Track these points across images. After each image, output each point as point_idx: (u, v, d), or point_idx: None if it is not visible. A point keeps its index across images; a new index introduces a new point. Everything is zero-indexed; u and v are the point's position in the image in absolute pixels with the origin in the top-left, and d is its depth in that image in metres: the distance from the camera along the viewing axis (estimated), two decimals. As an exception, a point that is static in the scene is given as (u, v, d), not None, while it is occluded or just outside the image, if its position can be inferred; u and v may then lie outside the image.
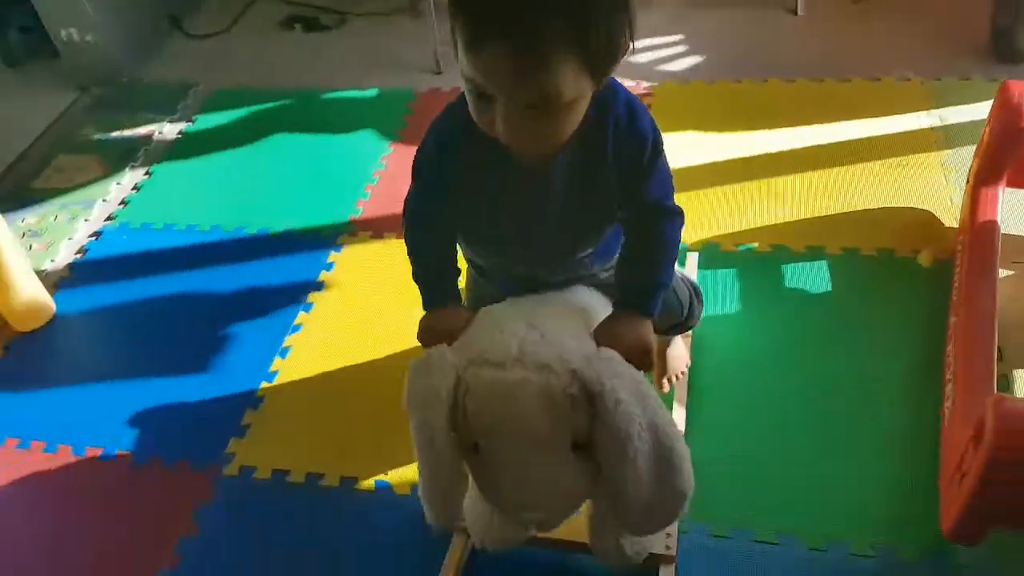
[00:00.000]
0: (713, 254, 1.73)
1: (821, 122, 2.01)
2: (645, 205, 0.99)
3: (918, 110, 1.98)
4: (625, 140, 0.95)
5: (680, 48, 2.38)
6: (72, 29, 2.58)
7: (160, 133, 2.40)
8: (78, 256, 2.02)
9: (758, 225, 1.78)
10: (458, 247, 1.09)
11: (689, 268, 1.66)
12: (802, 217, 1.78)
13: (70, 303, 1.89)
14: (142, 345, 1.77)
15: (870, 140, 1.94)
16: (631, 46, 0.87)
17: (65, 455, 1.56)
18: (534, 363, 0.87)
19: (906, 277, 1.62)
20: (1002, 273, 1.45)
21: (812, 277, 1.65)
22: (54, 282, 1.94)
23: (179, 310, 1.83)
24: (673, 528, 1.24)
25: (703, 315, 1.40)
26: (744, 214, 1.81)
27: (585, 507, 1.13)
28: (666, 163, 0.99)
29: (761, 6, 2.48)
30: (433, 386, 0.89)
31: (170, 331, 1.78)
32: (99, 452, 1.55)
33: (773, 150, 1.96)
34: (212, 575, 1.34)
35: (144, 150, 2.34)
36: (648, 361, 0.96)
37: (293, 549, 1.36)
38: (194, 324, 1.78)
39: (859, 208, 1.78)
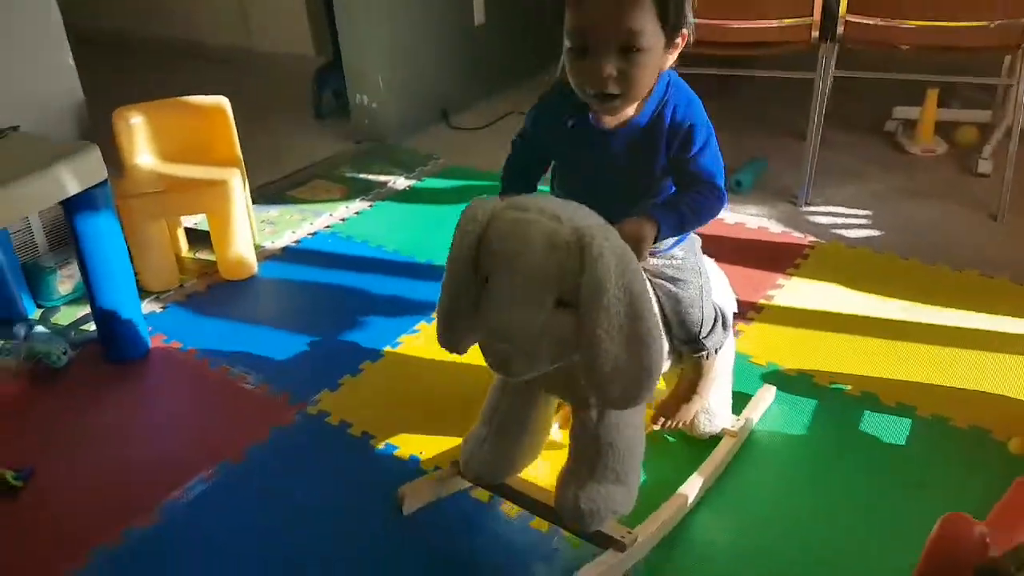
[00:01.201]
0: (803, 384, 1.76)
1: (971, 309, 1.97)
2: (694, 176, 1.20)
3: (1080, 325, 1.89)
4: (679, 122, 1.20)
5: (864, 220, 2.45)
6: (365, 96, 3.23)
7: (394, 183, 2.89)
8: (292, 243, 2.48)
9: (858, 372, 1.78)
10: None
11: (766, 398, 1.71)
12: (905, 378, 1.76)
13: (270, 271, 2.33)
14: (306, 312, 2.16)
15: (1013, 336, 1.87)
16: (689, 32, 1.17)
17: (206, 363, 1.93)
18: (549, 214, 1.08)
19: (990, 458, 1.54)
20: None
21: (891, 430, 1.63)
22: (266, 255, 2.41)
23: (344, 297, 2.19)
24: (644, 537, 1.33)
25: (766, 428, 1.46)
26: (850, 360, 1.83)
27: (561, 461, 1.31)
28: (716, 149, 1.21)
29: (967, 207, 2.48)
30: (474, 214, 1.11)
31: (331, 308, 2.15)
32: (228, 368, 1.91)
33: (909, 319, 1.96)
34: (264, 474, 1.62)
35: (377, 191, 2.83)
36: (639, 249, 1.11)
37: (326, 481, 1.59)
38: (348, 310, 2.12)
39: (969, 387, 1.73)
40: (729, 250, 2.31)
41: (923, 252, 2.24)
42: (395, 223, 2.60)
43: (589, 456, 1.27)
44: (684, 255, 1.34)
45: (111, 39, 4.66)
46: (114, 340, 1.91)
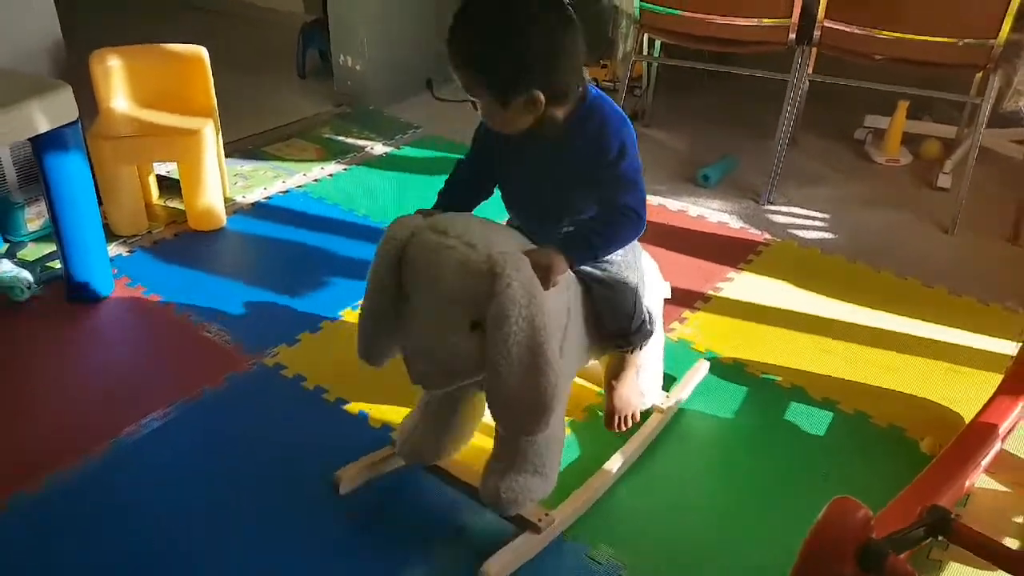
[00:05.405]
0: (736, 372, 1.85)
1: (908, 316, 2.06)
2: (611, 204, 1.27)
3: (1006, 338, 1.97)
4: (593, 144, 1.27)
5: (820, 223, 2.53)
6: (348, 56, 3.25)
7: (372, 148, 2.93)
8: (263, 199, 2.53)
9: (790, 366, 1.87)
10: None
11: (699, 372, 1.80)
12: (834, 374, 1.85)
13: (238, 224, 2.38)
14: (270, 268, 2.22)
15: (943, 344, 1.96)
16: (543, 96, 1.22)
17: (169, 309, 1.99)
18: (466, 240, 1.14)
19: (901, 455, 1.63)
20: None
21: (813, 422, 1.72)
22: (236, 209, 2.45)
23: (310, 257, 2.26)
24: (562, 517, 1.41)
25: (695, 409, 1.62)
26: (784, 354, 1.91)
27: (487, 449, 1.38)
28: (634, 173, 1.27)
29: (921, 219, 2.56)
30: (394, 233, 1.19)
31: (296, 266, 2.21)
32: (190, 315, 1.97)
33: (848, 320, 2.05)
34: (216, 416, 1.69)
35: (353, 155, 2.87)
36: (548, 278, 1.18)
37: (275, 428, 1.66)
38: (313, 270, 2.18)
39: (893, 388, 1.82)
40: (687, 241, 2.40)
41: (870, 258, 2.33)
42: (368, 188, 2.65)
43: (510, 449, 1.34)
44: (623, 256, 1.40)
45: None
46: (78, 279, 1.96)
